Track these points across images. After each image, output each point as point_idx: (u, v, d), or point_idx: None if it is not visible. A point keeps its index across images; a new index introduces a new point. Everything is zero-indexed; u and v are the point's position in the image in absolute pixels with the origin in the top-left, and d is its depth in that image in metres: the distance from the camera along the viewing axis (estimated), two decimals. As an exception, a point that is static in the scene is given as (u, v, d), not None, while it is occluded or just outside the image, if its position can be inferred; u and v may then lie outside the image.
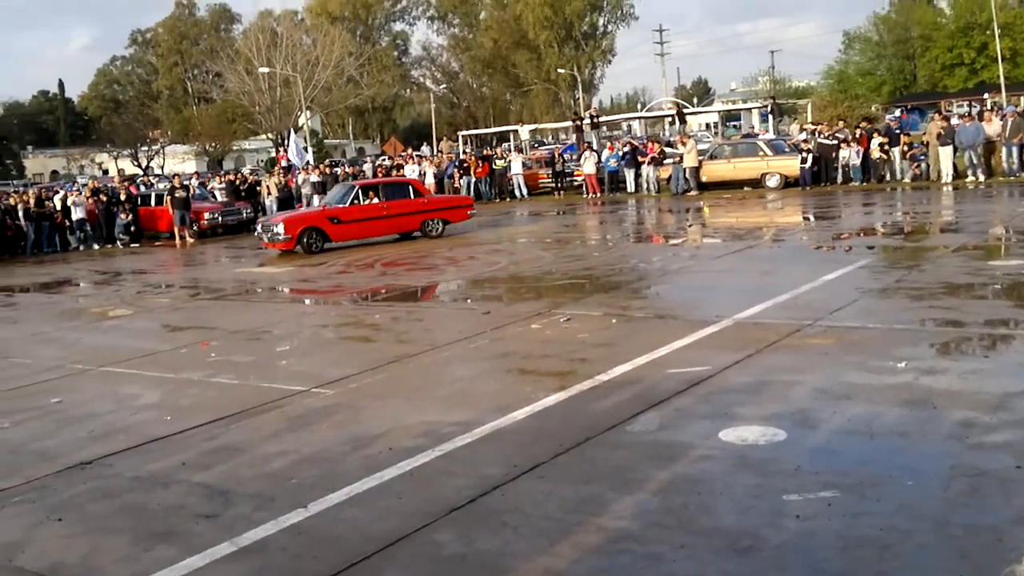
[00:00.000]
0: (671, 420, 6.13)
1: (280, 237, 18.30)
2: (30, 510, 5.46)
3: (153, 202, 26.08)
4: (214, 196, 28.05)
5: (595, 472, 5.30)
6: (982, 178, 21.86)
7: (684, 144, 26.82)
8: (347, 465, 5.74)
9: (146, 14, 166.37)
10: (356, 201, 19.01)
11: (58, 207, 24.91)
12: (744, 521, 4.50)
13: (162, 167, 62.70)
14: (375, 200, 19.18)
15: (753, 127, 41.71)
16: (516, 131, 42.66)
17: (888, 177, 23.72)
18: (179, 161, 63.84)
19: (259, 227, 19.70)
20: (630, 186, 27.55)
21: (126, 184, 31.45)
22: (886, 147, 23.60)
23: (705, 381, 6.90)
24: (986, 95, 39.49)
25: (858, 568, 3.97)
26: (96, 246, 24.56)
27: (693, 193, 25.40)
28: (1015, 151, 21.81)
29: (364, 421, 6.69)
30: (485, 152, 36.14)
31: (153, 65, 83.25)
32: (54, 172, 73.15)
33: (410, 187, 20.56)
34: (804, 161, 24.19)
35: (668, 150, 28.84)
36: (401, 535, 4.64)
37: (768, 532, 4.36)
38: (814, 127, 27.25)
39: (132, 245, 24.64)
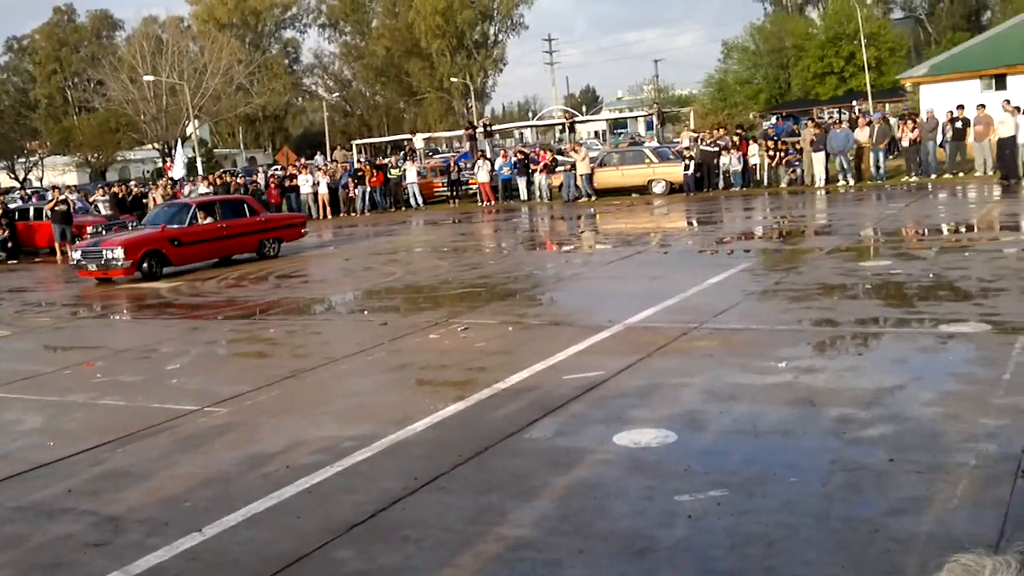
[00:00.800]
0: (567, 426, 6.25)
1: (119, 263, 16.23)
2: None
3: (32, 216, 24.97)
4: (97, 209, 27.06)
5: (494, 481, 5.38)
6: (852, 182, 22.95)
7: (576, 152, 27.27)
8: (243, 485, 5.65)
9: (22, 21, 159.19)
10: (194, 221, 17.43)
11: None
12: (639, 523, 4.64)
13: (41, 179, 60.03)
14: (211, 220, 17.73)
15: (639, 134, 42.67)
16: (410, 140, 42.53)
17: (766, 182, 24.65)
18: (59, 173, 61.14)
19: (78, 253, 17.08)
20: (523, 194, 27.84)
21: (1, 197, 30.00)
22: (771, 151, 24.54)
23: (599, 386, 7.06)
24: (854, 102, 41.36)
25: (747, 565, 4.14)
26: (-31, 264, 23.38)
27: (584, 200, 25.83)
28: (881, 156, 23.01)
29: (260, 439, 6.59)
30: (379, 161, 35.92)
31: (30, 73, 79.64)
32: (-80, 185, 69.20)
33: (246, 205, 19.14)
34: (687, 168, 24.91)
35: (560, 158, 29.25)
36: (301, 554, 4.60)
37: (662, 533, 4.50)
38: (696, 134, 28.10)
39: (9, 262, 23.53)
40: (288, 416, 7.11)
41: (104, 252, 16.31)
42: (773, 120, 37.54)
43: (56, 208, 23.48)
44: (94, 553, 4.86)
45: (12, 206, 26.32)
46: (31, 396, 8.56)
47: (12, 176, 60.53)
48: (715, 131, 27.74)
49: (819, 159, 23.34)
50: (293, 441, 6.43)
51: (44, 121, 64.87)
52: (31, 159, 62.15)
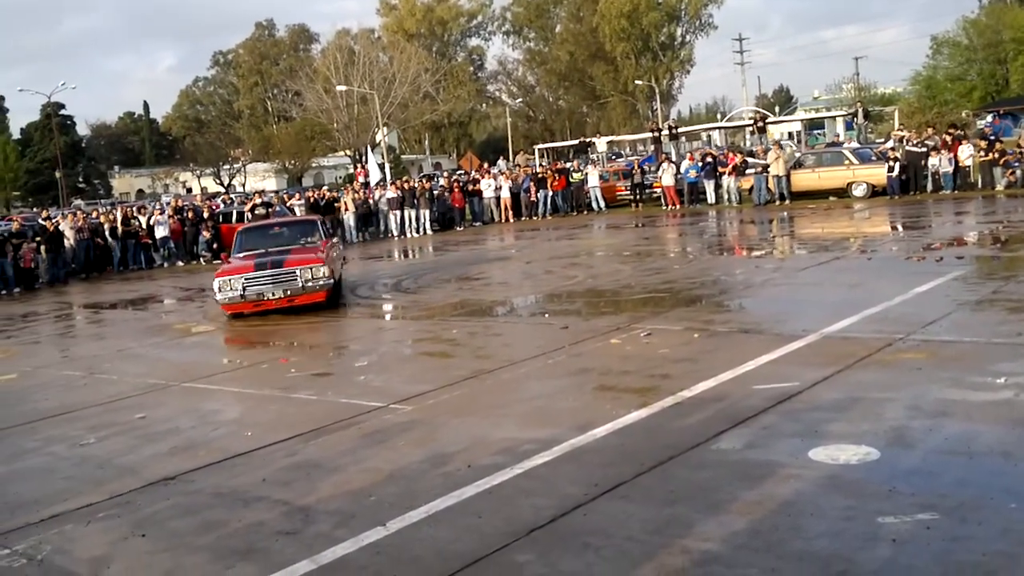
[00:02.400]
0: (758, 438, 5.92)
1: (319, 283, 13.17)
2: (115, 525, 5.54)
3: (235, 219, 26.64)
4: (293, 212, 28.53)
5: (679, 492, 5.15)
6: (1081, 185, 20.96)
7: (776, 152, 26.26)
8: (426, 483, 5.69)
9: (228, 36, 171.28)
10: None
11: (143, 226, 25.63)
12: (837, 544, 4.30)
13: (243, 185, 64.25)
14: None
15: (838, 135, 40.74)
16: (593, 143, 42.49)
17: (980, 185, 22.88)
18: (260, 179, 65.32)
19: (239, 283, 13.16)
20: (710, 197, 27.13)
21: (208, 202, 32.24)
22: (983, 152, 22.78)
23: (793, 398, 6.66)
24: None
25: (962, 597, 3.74)
26: (180, 263, 25.23)
27: (777, 203, 24.89)
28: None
29: (442, 438, 6.63)
30: (561, 165, 36.08)
31: (234, 85, 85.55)
32: (140, 191, 75.68)
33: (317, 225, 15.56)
34: (891, 170, 23.50)
35: (750, 160, 28.34)
36: (480, 555, 4.55)
37: (862, 556, 4.15)
38: (902, 134, 26.47)
39: (215, 262, 25.20)
40: (469, 417, 7.14)
41: (298, 273, 13.08)
42: (989, 118, 34.91)
43: (255, 211, 24.95)
44: (285, 541, 5.01)
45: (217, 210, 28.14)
46: (231, 388, 9.03)
47: (218, 182, 65.11)
48: (924, 130, 26.01)
49: (1042, 160, 21.47)
50: (474, 441, 6.43)
51: (247, 130, 69.41)
52: (235, 166, 66.62)
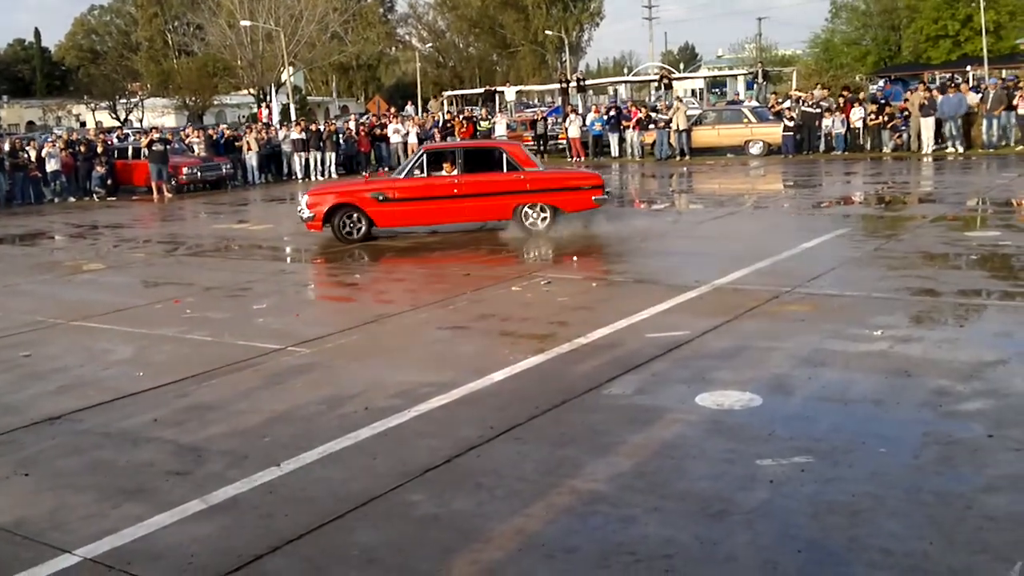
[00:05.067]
0: (648, 384, 6.12)
1: (304, 214, 13.64)
2: (-2, 464, 5.39)
3: (130, 155, 25.70)
4: (192, 149, 27.68)
5: (571, 435, 5.29)
6: (961, 149, 21.92)
7: (673, 108, 26.64)
8: (322, 424, 5.70)
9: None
10: (418, 173, 13.47)
11: (32, 159, 24.49)
12: (718, 485, 4.50)
13: (141, 120, 61.81)
14: (448, 173, 13.55)
15: (738, 94, 41.48)
16: (501, 92, 42.27)
17: (869, 147, 23.73)
18: (158, 115, 62.89)
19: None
20: (614, 151, 27.43)
21: (102, 136, 30.96)
22: (872, 116, 23.57)
23: (683, 346, 6.89)
24: (968, 68, 39.43)
25: (829, 533, 3.98)
26: (71, 198, 24.25)
27: (678, 158, 25.31)
28: (995, 123, 21.89)
29: (340, 380, 6.64)
30: (469, 113, 35.84)
31: (132, 15, 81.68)
32: (30, 123, 71.95)
33: (504, 154, 13.48)
34: (787, 129, 24.14)
35: (653, 115, 28.69)
36: (374, 495, 4.61)
37: (741, 497, 4.36)
38: (798, 95, 27.17)
39: (108, 199, 24.34)
40: (368, 360, 7.15)
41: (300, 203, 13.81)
42: (881, 83, 36.10)
43: (153, 148, 24.10)
44: (175, 481, 4.96)
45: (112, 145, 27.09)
46: (123, 328, 8.80)
47: (114, 116, 62.47)
48: (811, 93, 26.73)
49: (927, 124, 22.34)
50: (372, 384, 6.46)
51: (145, 63, 66.50)
52: (132, 100, 63.97)
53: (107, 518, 4.54)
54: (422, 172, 13.44)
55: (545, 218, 13.18)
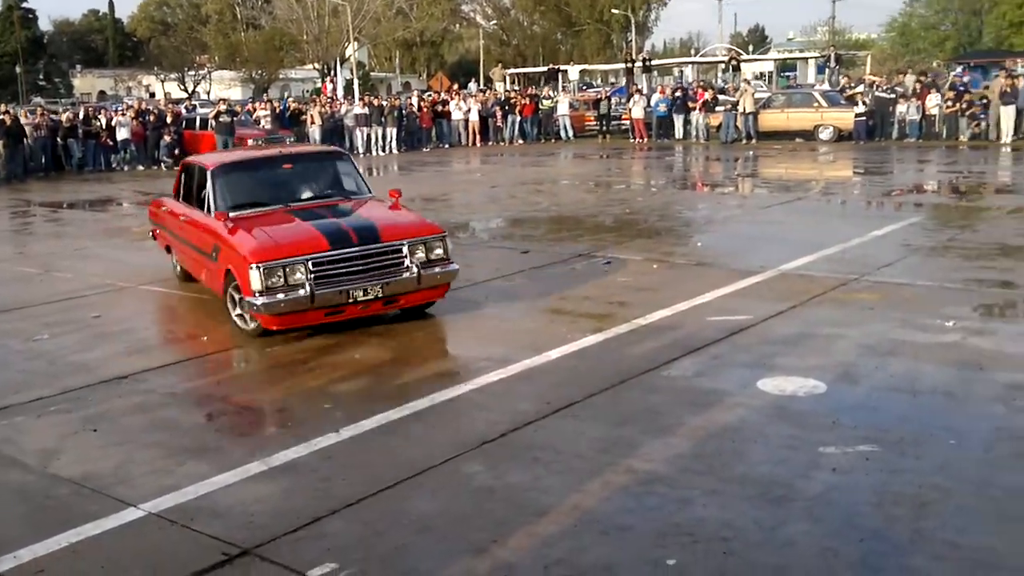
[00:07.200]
0: (708, 367, 6.03)
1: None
2: (66, 420, 5.53)
3: (198, 126, 26.12)
4: (259, 123, 28.00)
5: (628, 414, 5.24)
6: (1043, 140, 21.20)
7: (741, 90, 26.16)
8: (380, 393, 5.73)
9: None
10: None
11: (104, 126, 25.01)
12: (778, 471, 4.43)
13: (208, 92, 62.74)
14: None
15: (819, 80, 40.54)
16: (565, 71, 41.98)
17: (946, 135, 23.05)
18: (225, 87, 63.76)
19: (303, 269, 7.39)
20: (678, 132, 27.03)
21: (171, 106, 31.50)
22: (950, 103, 22.88)
23: (746, 330, 6.77)
24: (1053, 56, 38.07)
25: (893, 525, 3.88)
26: (140, 167, 24.73)
27: (744, 142, 24.89)
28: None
29: (399, 350, 6.66)
30: (531, 91, 35.66)
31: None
32: (101, 92, 73.54)
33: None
34: (859, 114, 23.56)
35: (720, 97, 28.23)
36: (430, 464, 4.62)
37: (802, 483, 4.28)
38: (872, 79, 26.49)
39: (175, 167, 24.74)
40: (424, 332, 7.16)
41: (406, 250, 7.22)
42: (959, 70, 35.04)
43: (220, 119, 24.43)
44: (237, 442, 5.05)
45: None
46: (189, 293, 8.92)
47: (182, 88, 63.49)
48: (895, 76, 25.97)
49: (1008, 113, 21.58)
50: (430, 356, 6.47)
51: (213, 36, 67.32)
52: (200, 72, 64.97)
53: (171, 475, 4.64)
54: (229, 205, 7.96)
55: None
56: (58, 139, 23.92)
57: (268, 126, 27.09)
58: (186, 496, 4.37)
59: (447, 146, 28.64)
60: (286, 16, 55.32)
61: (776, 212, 12.92)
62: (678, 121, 27.02)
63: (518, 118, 29.18)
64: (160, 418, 5.50)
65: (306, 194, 8.02)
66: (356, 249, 6.88)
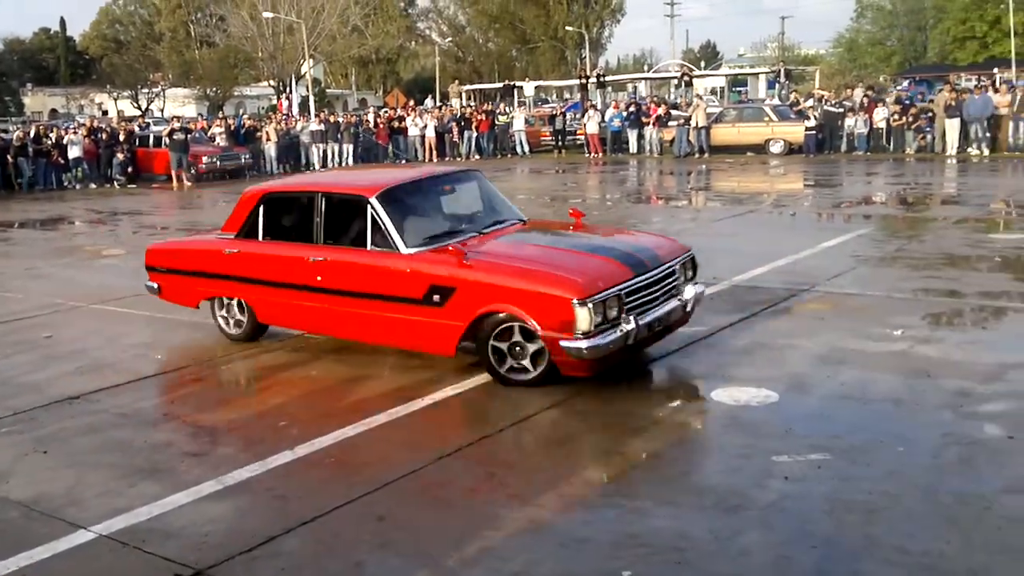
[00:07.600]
0: (662, 377, 6.09)
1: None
2: (17, 441, 5.43)
3: (151, 143, 25.83)
4: (213, 140, 27.77)
5: (583, 426, 5.27)
6: (987, 152, 21.72)
7: (693, 105, 26.52)
8: (337, 410, 5.71)
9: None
10: None
11: (55, 144, 24.63)
12: (732, 480, 4.48)
13: (162, 110, 62.09)
14: None
15: (769, 96, 41.21)
16: (520, 87, 42.21)
17: (892, 148, 23.54)
18: (179, 104, 63.21)
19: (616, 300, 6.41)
20: (632, 147, 27.33)
21: (124, 124, 31.12)
22: (896, 116, 23.38)
23: (700, 341, 6.85)
24: (995, 70, 39.07)
25: (845, 531, 3.94)
26: (92, 185, 24.40)
27: (697, 156, 25.19)
28: (1022, 126, 21.67)
29: (359, 364, 6.65)
30: (487, 107, 35.80)
31: (156, 6, 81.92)
32: (53, 110, 72.38)
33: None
34: (809, 128, 23.98)
35: (673, 112, 28.58)
36: (388, 480, 4.61)
37: (756, 492, 4.33)
38: (821, 94, 27.00)
39: (129, 186, 24.46)
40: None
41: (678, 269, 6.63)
42: (905, 84, 35.87)
43: (174, 136, 24.20)
44: (191, 462, 4.99)
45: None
46: (141, 312, 8.82)
47: (135, 105, 62.78)
48: (843, 91, 26.49)
49: (952, 125, 22.13)
50: (386, 374, 6.45)
51: (167, 54, 66.73)
52: (153, 90, 64.31)
53: (123, 496, 4.57)
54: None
55: None
56: (8, 158, 23.51)
57: (223, 143, 26.90)
58: (139, 517, 4.31)
59: (404, 162, 28.62)
60: (241, 34, 54.93)
61: (728, 225, 13.10)
62: (632, 136, 27.33)
63: (474, 134, 29.30)
64: (112, 439, 5.41)
65: (489, 218, 7.03)
66: (653, 273, 6.09)
